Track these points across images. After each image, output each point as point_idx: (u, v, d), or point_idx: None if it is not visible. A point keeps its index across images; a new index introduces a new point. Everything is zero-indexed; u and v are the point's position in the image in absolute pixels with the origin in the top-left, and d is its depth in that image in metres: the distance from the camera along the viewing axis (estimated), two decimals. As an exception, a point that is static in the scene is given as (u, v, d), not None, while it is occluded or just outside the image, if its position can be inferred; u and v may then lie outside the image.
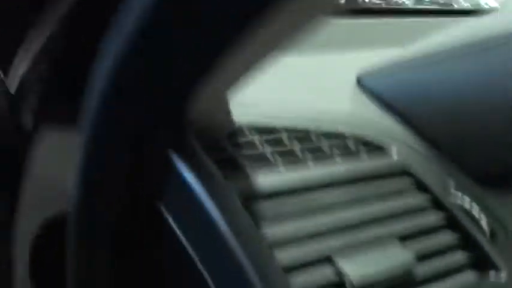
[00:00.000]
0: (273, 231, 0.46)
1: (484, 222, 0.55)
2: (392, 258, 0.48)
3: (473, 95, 0.60)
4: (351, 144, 0.58)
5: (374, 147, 0.59)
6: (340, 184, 0.52)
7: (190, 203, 0.44)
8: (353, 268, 0.46)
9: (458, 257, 0.52)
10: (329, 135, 0.58)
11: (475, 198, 0.56)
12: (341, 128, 0.59)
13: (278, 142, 0.54)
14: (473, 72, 0.61)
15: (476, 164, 0.59)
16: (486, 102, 0.60)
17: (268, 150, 0.52)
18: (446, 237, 0.53)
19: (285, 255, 0.45)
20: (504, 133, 0.58)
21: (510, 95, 0.58)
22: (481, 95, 0.60)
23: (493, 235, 0.55)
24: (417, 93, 0.63)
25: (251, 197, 0.47)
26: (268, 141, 0.54)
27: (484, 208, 0.56)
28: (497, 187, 0.58)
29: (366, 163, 0.56)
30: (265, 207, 0.48)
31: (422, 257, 0.51)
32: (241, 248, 0.39)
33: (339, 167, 0.54)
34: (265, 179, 0.49)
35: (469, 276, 0.52)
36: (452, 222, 0.54)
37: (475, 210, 0.56)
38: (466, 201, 0.56)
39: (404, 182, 0.56)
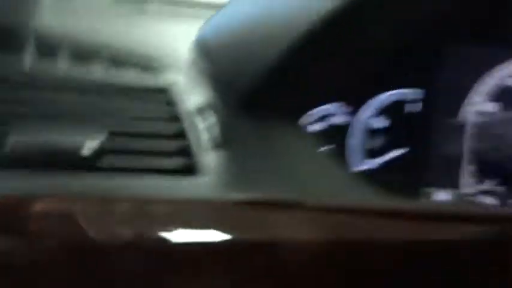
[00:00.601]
0: None
1: (206, 134, 0.55)
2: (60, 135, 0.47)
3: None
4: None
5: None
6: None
7: None
8: None
9: (172, 162, 0.53)
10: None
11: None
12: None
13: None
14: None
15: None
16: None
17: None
18: (168, 144, 0.55)
19: None
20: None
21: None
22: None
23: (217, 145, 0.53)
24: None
25: None
26: None
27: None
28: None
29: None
30: None
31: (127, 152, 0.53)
32: None
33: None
34: None
35: (172, 178, 0.52)
36: (181, 132, 0.55)
37: (203, 124, 0.55)
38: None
39: (157, 97, 0.59)
